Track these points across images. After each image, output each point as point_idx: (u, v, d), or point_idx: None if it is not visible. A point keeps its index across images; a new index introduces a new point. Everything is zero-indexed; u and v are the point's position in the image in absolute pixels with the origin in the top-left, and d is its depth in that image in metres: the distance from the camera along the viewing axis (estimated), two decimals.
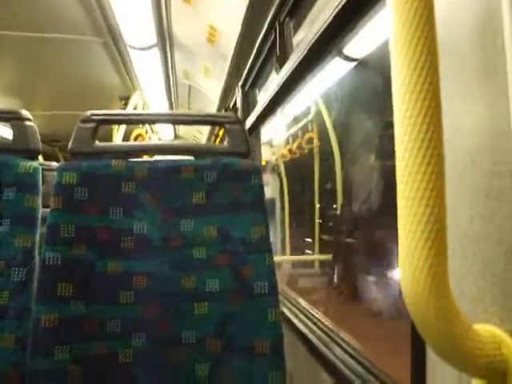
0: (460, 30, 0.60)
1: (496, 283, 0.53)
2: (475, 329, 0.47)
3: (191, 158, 1.21)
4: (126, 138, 5.12)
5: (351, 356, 1.37)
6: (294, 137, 4.26)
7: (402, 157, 0.44)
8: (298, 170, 4.53)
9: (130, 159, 1.17)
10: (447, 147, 0.46)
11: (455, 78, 0.61)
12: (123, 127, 4.77)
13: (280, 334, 1.09)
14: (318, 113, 3.80)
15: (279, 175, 4.84)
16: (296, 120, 4.20)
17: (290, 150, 4.27)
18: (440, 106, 0.45)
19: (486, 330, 0.49)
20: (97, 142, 1.16)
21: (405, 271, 0.44)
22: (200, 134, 7.57)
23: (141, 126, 5.28)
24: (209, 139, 6.94)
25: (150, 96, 5.16)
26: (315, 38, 1.36)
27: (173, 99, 5.35)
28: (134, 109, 4.89)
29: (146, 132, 5.86)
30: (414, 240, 0.43)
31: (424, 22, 0.44)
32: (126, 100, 4.97)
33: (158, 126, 6.59)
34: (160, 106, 5.51)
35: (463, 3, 0.60)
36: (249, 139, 1.21)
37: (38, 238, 1.14)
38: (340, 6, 1.16)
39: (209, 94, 4.88)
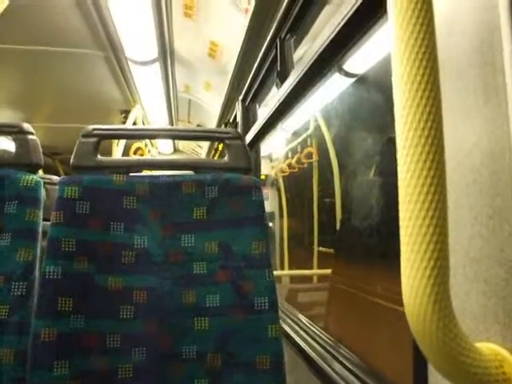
0: (461, 50, 0.61)
1: (498, 302, 0.54)
2: (477, 347, 0.47)
3: (191, 172, 1.21)
4: (125, 151, 5.14)
5: (351, 372, 1.36)
6: (294, 151, 4.27)
7: (404, 177, 0.45)
8: (296, 184, 4.53)
9: (131, 174, 1.18)
10: (448, 166, 0.47)
11: (456, 97, 0.61)
12: (123, 141, 4.79)
13: (280, 350, 1.09)
14: (317, 128, 3.81)
15: (278, 190, 4.85)
16: (295, 135, 4.21)
17: (289, 165, 4.27)
18: (441, 124, 0.45)
19: (488, 348, 0.50)
20: (98, 157, 1.16)
21: (407, 289, 0.45)
22: (199, 148, 7.59)
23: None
24: (208, 153, 6.96)
25: (150, 110, 5.19)
26: (316, 54, 1.38)
27: (173, 113, 5.38)
28: (134, 122, 4.91)
29: (146, 146, 5.88)
30: (417, 259, 0.43)
31: (426, 41, 0.45)
32: (126, 113, 4.99)
33: (157, 140, 6.61)
34: (160, 119, 5.55)
35: (463, 24, 0.61)
36: (249, 155, 1.22)
37: (38, 251, 1.14)
38: (341, 23, 1.18)
39: (209, 108, 4.91)
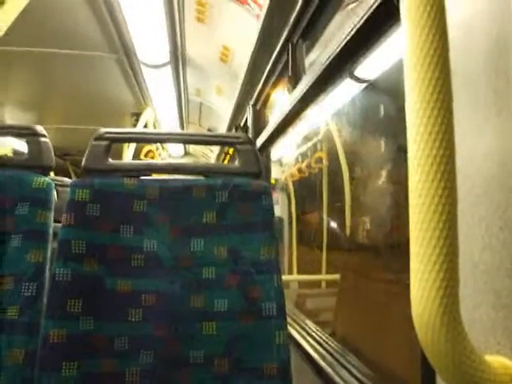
0: (474, 59, 0.61)
1: (508, 315, 0.53)
2: (487, 360, 0.46)
3: (201, 177, 1.21)
4: (136, 153, 5.16)
5: (357, 379, 1.35)
6: (304, 156, 4.27)
7: (415, 187, 0.45)
8: (306, 189, 4.52)
9: (142, 177, 1.18)
10: (459, 177, 0.46)
11: (468, 108, 0.61)
12: (134, 144, 4.81)
13: (287, 356, 1.08)
14: (328, 133, 3.80)
15: (288, 194, 4.84)
16: (306, 140, 4.21)
17: (299, 170, 4.26)
18: (453, 136, 0.45)
19: (498, 361, 0.49)
20: (110, 160, 1.17)
21: (416, 301, 0.44)
22: (210, 152, 7.61)
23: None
24: (218, 157, 6.97)
25: (161, 112, 5.21)
26: (329, 60, 1.38)
27: (184, 116, 5.40)
28: (145, 125, 4.93)
29: (157, 148, 5.90)
30: (426, 271, 0.43)
31: (439, 50, 0.45)
32: (137, 116, 5.02)
33: (168, 143, 6.63)
34: (171, 122, 5.56)
35: (477, 33, 0.61)
36: (260, 159, 1.22)
37: (49, 253, 1.15)
38: (354, 29, 1.18)
39: (220, 112, 4.92)
